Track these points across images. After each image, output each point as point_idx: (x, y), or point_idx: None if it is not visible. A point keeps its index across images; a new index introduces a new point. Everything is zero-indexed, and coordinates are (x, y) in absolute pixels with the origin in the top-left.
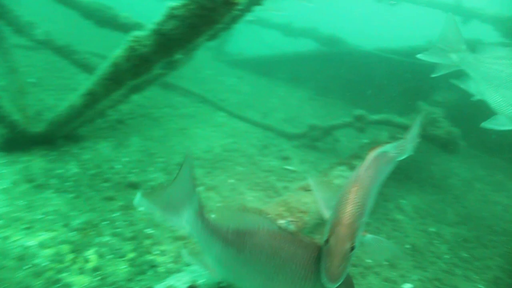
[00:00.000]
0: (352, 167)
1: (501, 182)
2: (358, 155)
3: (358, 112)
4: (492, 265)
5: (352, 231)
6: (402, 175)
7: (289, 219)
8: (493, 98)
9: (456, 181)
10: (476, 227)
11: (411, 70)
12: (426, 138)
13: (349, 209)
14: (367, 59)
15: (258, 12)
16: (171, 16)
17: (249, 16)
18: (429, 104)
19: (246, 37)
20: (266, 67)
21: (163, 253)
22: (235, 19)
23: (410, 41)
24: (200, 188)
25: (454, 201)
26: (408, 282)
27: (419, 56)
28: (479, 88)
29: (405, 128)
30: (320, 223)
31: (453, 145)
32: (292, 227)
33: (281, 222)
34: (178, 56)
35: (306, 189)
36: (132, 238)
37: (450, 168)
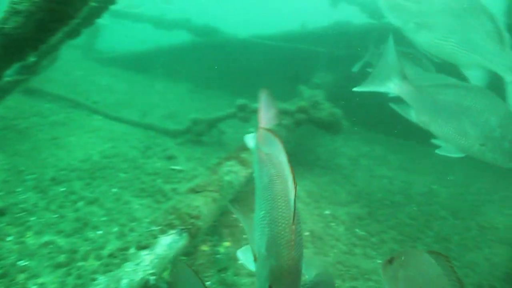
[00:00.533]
0: (241, 162)
1: (383, 156)
2: (246, 147)
3: (241, 101)
4: (386, 238)
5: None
6: (291, 161)
7: (181, 227)
8: (441, 129)
9: (344, 160)
10: (368, 203)
11: (288, 55)
12: (310, 121)
13: (293, 255)
14: (244, 47)
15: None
16: (13, 12)
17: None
18: (309, 87)
19: (116, 33)
20: (141, 63)
21: (42, 286)
22: (96, 13)
23: (285, 26)
24: (80, 204)
25: (344, 180)
26: None
27: (355, 89)
28: (421, 118)
29: (289, 113)
30: (216, 225)
31: (337, 125)
32: (185, 235)
33: (172, 232)
34: (32, 58)
35: (196, 191)
36: (2, 276)
37: (336, 148)
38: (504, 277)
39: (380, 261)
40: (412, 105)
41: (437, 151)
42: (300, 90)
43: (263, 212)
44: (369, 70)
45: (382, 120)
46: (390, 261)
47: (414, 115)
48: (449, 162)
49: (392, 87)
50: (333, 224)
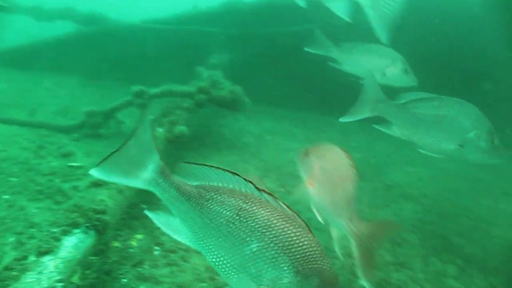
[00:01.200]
0: None
1: (288, 130)
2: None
3: (137, 88)
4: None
5: None
6: (196, 144)
7: (86, 225)
8: (422, 140)
9: (249, 138)
10: (278, 176)
11: (183, 38)
12: (212, 101)
13: None
14: (136, 33)
15: None
16: None
17: None
18: (206, 68)
19: None
20: (23, 59)
21: None
22: None
23: (176, 8)
24: None
25: (252, 157)
26: None
27: (342, 119)
28: (404, 132)
29: (188, 95)
30: (125, 217)
31: (239, 103)
32: (92, 233)
33: (77, 231)
34: None
35: (98, 184)
36: None
37: (241, 127)
38: (411, 229)
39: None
40: (394, 122)
41: (419, 149)
42: (198, 72)
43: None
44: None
45: (284, 96)
46: (306, 153)
47: (397, 131)
48: (351, 130)
49: (376, 109)
50: None
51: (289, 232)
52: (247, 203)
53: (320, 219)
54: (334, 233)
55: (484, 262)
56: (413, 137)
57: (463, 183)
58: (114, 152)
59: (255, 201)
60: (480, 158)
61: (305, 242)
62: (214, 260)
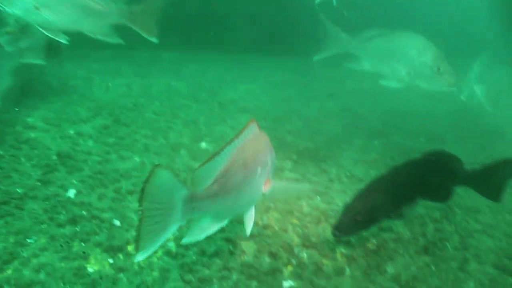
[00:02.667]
0: None
1: (117, 69)
2: None
3: None
4: (138, 137)
5: None
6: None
7: None
8: (382, 69)
9: (77, 81)
10: (111, 112)
11: None
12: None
13: None
14: None
15: None
16: None
17: None
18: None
19: None
20: None
21: None
22: None
23: None
24: None
25: (82, 98)
26: (71, 188)
27: (315, 58)
28: (369, 63)
29: None
30: None
31: (54, 49)
32: None
33: None
34: None
35: None
36: None
37: (67, 72)
38: None
39: (137, 159)
40: (360, 56)
41: (380, 81)
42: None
43: None
44: None
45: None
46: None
47: (364, 64)
48: (182, 62)
49: (343, 45)
50: (80, 141)
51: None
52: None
53: None
54: None
55: (315, 152)
56: (376, 67)
57: (293, 92)
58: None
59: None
60: (428, 85)
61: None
62: None
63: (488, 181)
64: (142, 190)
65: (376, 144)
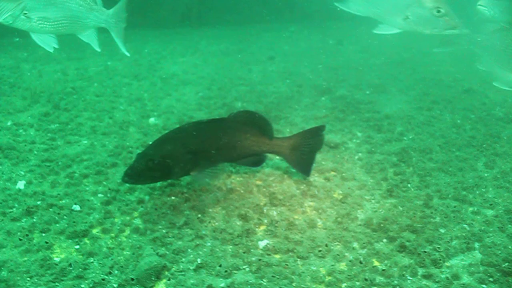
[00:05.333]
0: None
1: (46, 56)
2: None
3: None
4: (82, 120)
5: None
6: None
7: None
8: (380, 15)
9: (4, 71)
10: (48, 98)
11: None
12: None
13: None
14: None
15: None
16: None
17: None
18: None
19: None
20: None
21: None
22: None
23: None
24: None
25: (13, 88)
26: (19, 180)
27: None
28: (365, 8)
29: None
30: None
31: None
32: None
33: None
34: None
35: None
36: None
37: None
38: (197, 107)
39: (86, 141)
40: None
41: (374, 31)
42: None
43: None
44: None
45: None
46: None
47: (357, 8)
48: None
49: None
50: (21, 131)
51: None
52: None
53: None
54: None
55: (266, 113)
56: (375, 14)
57: (233, 59)
58: None
59: None
60: (425, 27)
61: None
62: None
63: (298, 152)
64: None
65: (323, 100)
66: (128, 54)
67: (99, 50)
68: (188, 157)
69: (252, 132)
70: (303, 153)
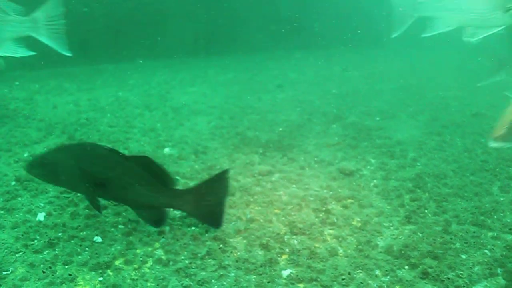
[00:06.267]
0: None
1: (58, 86)
2: None
3: None
4: None
5: None
6: None
7: None
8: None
9: (18, 103)
10: (63, 129)
11: None
12: None
13: None
14: None
15: None
16: None
17: None
18: None
19: None
20: None
21: None
22: None
23: None
24: None
25: (27, 120)
26: (39, 212)
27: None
28: (455, 19)
29: None
30: None
31: None
32: None
33: None
34: None
35: None
36: None
37: (3, 96)
38: (210, 137)
39: None
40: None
41: (424, 35)
42: None
43: None
44: None
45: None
46: None
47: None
48: (126, 72)
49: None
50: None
51: None
52: None
53: None
54: None
55: (279, 143)
56: (454, 23)
57: (242, 87)
58: None
59: None
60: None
61: None
62: None
63: (203, 204)
64: None
65: (334, 127)
66: (69, 54)
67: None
68: (76, 172)
69: (149, 179)
70: (210, 204)
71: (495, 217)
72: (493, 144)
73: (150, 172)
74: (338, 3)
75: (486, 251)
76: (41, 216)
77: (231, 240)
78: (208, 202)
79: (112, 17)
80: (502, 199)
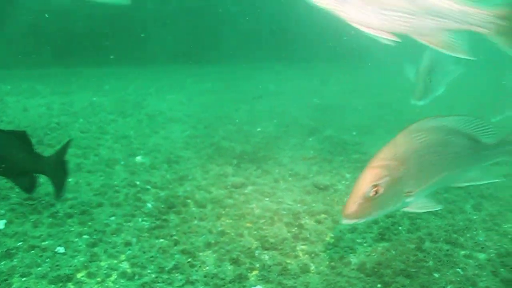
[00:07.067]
0: None
1: (31, 89)
2: None
3: None
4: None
5: None
6: None
7: None
8: None
9: None
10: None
11: None
12: None
13: None
14: None
15: None
16: None
17: None
18: None
19: None
20: None
21: None
22: None
23: None
24: None
25: None
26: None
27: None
28: None
29: None
30: None
31: None
32: None
33: None
34: None
35: None
36: None
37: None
38: (184, 146)
39: (71, 179)
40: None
41: None
42: None
43: None
44: None
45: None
46: None
47: None
48: (103, 77)
49: None
50: None
51: None
52: None
53: None
54: None
55: (254, 155)
56: None
57: (220, 97)
58: None
59: None
60: None
61: None
62: None
63: (61, 169)
64: None
65: (311, 140)
66: None
67: None
68: None
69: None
70: (66, 171)
71: (468, 235)
72: (344, 221)
73: (22, 144)
74: (321, 20)
75: (458, 269)
76: (1, 224)
77: (200, 254)
78: (64, 169)
79: (92, 21)
80: (475, 217)
